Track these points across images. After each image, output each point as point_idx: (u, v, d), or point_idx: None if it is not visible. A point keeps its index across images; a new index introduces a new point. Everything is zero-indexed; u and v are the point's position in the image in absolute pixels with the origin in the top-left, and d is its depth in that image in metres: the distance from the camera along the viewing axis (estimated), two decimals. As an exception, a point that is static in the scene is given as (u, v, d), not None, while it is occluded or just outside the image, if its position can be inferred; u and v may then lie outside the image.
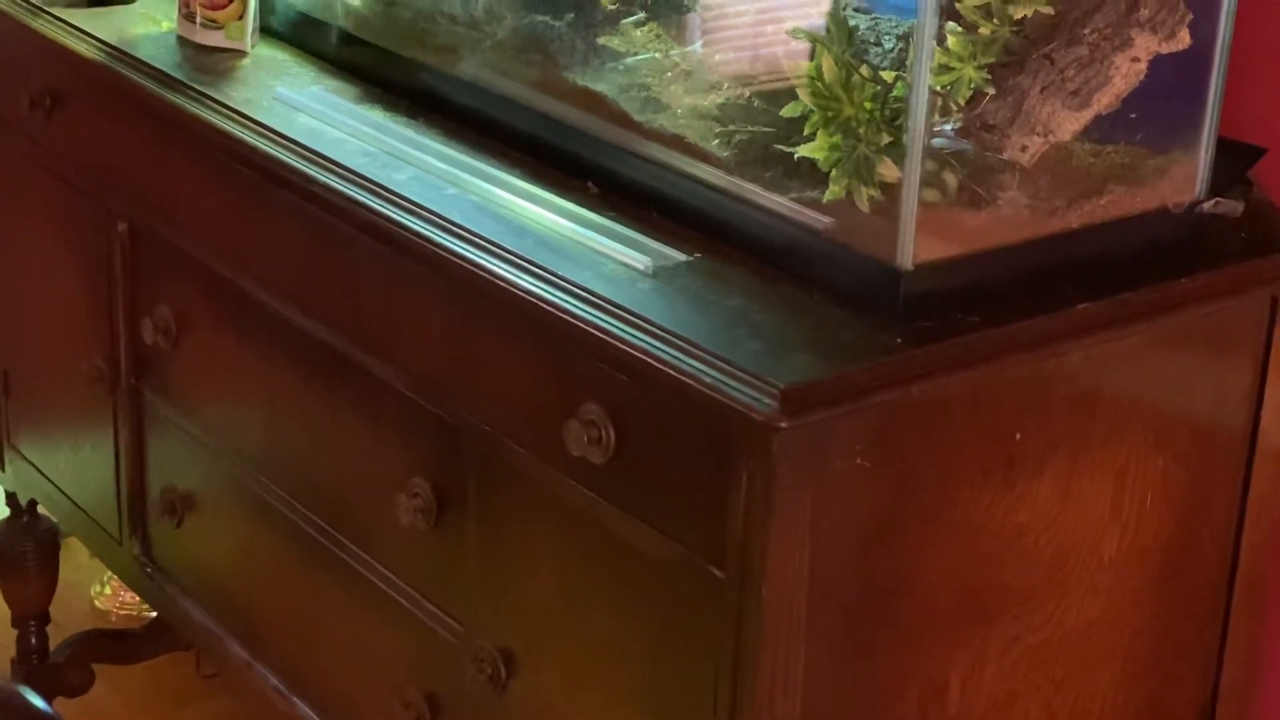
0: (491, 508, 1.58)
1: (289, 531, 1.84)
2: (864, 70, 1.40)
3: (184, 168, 1.88)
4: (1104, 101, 1.48)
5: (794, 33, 1.48)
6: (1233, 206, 1.52)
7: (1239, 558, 1.61)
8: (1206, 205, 1.51)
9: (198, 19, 1.95)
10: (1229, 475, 1.58)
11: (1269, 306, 1.52)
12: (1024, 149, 1.47)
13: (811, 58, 1.45)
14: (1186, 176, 1.51)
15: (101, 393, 2.08)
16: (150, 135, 1.91)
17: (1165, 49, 1.48)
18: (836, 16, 1.41)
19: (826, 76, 1.41)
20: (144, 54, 1.92)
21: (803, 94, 1.43)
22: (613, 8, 1.79)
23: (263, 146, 1.72)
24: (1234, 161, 1.56)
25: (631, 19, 1.81)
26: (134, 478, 2.08)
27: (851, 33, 1.41)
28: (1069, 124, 1.48)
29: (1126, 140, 1.52)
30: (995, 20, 1.47)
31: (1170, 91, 1.51)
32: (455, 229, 1.54)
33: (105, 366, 2.07)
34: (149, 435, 2.04)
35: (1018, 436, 1.42)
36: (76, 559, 2.68)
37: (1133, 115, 1.49)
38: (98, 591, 2.79)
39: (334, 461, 1.77)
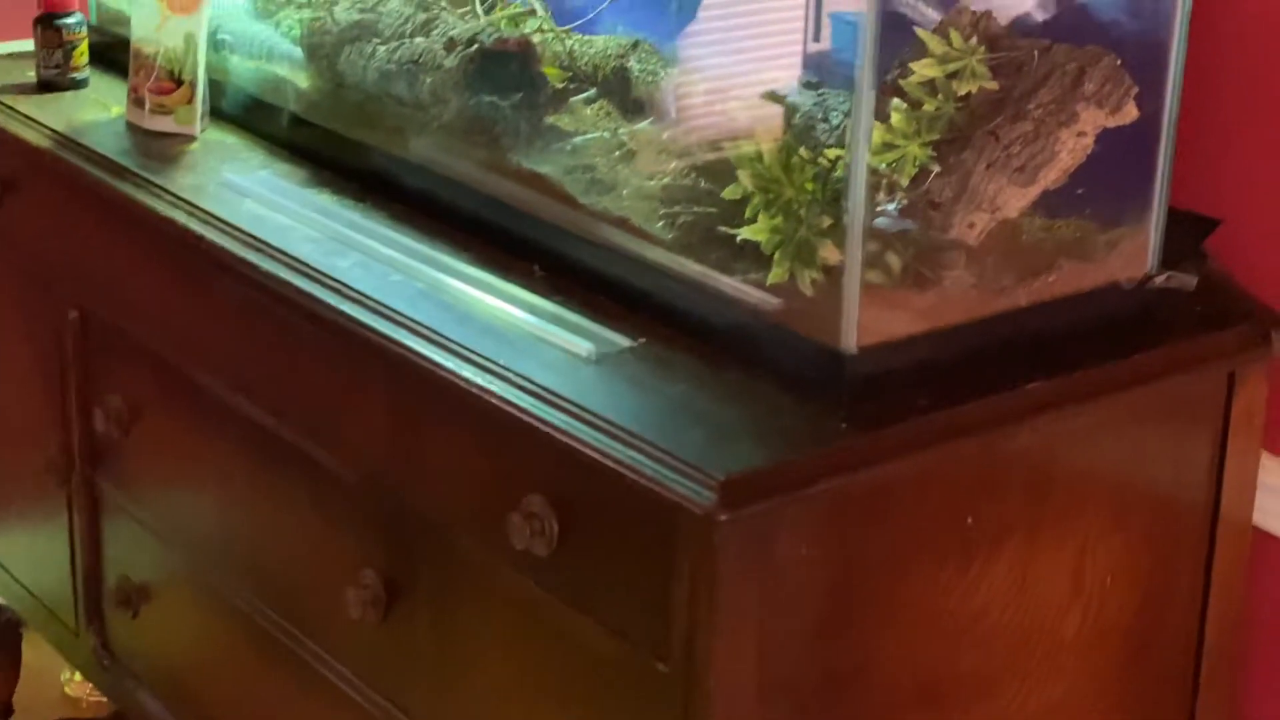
0: (441, 600, 1.55)
1: (243, 623, 1.81)
2: (803, 151, 1.38)
3: (134, 255, 1.86)
4: (1050, 177, 1.46)
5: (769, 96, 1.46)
6: (1186, 280, 1.50)
7: (1205, 633, 1.58)
8: (1159, 279, 1.49)
9: (146, 104, 1.94)
10: (1192, 550, 1.55)
11: (1226, 381, 1.49)
12: (970, 226, 1.45)
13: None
14: (1137, 250, 1.49)
15: (56, 482, 2.05)
16: (100, 223, 1.89)
17: (1112, 123, 1.46)
18: (775, 97, 1.39)
19: (766, 158, 1.39)
20: (93, 141, 1.91)
21: (743, 176, 1.41)
22: (560, 86, 1.78)
23: (207, 235, 1.70)
24: (1188, 233, 1.54)
25: (582, 96, 1.79)
26: (89, 568, 2.05)
27: (790, 117, 1.39)
28: (1015, 200, 1.45)
29: (1075, 214, 1.50)
30: (940, 96, 1.45)
31: (1119, 165, 1.48)
32: (397, 318, 1.52)
33: (59, 455, 2.04)
34: (104, 525, 2.02)
35: (970, 520, 1.39)
36: (46, 645, 2.64)
37: (1081, 189, 1.47)
38: (67, 678, 2.75)
39: (285, 552, 1.74)
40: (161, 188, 1.79)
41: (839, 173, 1.39)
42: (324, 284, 1.59)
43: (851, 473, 1.31)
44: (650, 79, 1.73)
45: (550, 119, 1.71)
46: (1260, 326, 1.49)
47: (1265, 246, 1.55)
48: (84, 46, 2.08)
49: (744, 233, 1.41)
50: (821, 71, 1.88)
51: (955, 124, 1.45)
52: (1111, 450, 1.47)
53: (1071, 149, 1.45)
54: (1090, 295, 1.46)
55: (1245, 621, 1.62)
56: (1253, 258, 1.56)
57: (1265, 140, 1.55)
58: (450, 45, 1.71)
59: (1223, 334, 1.49)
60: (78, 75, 2.08)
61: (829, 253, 1.36)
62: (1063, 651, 1.49)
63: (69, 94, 2.06)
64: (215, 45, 1.98)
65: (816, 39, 2.02)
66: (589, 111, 1.78)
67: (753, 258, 1.43)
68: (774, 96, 1.38)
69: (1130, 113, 1.45)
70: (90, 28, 2.14)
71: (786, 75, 1.90)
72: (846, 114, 1.55)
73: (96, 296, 1.94)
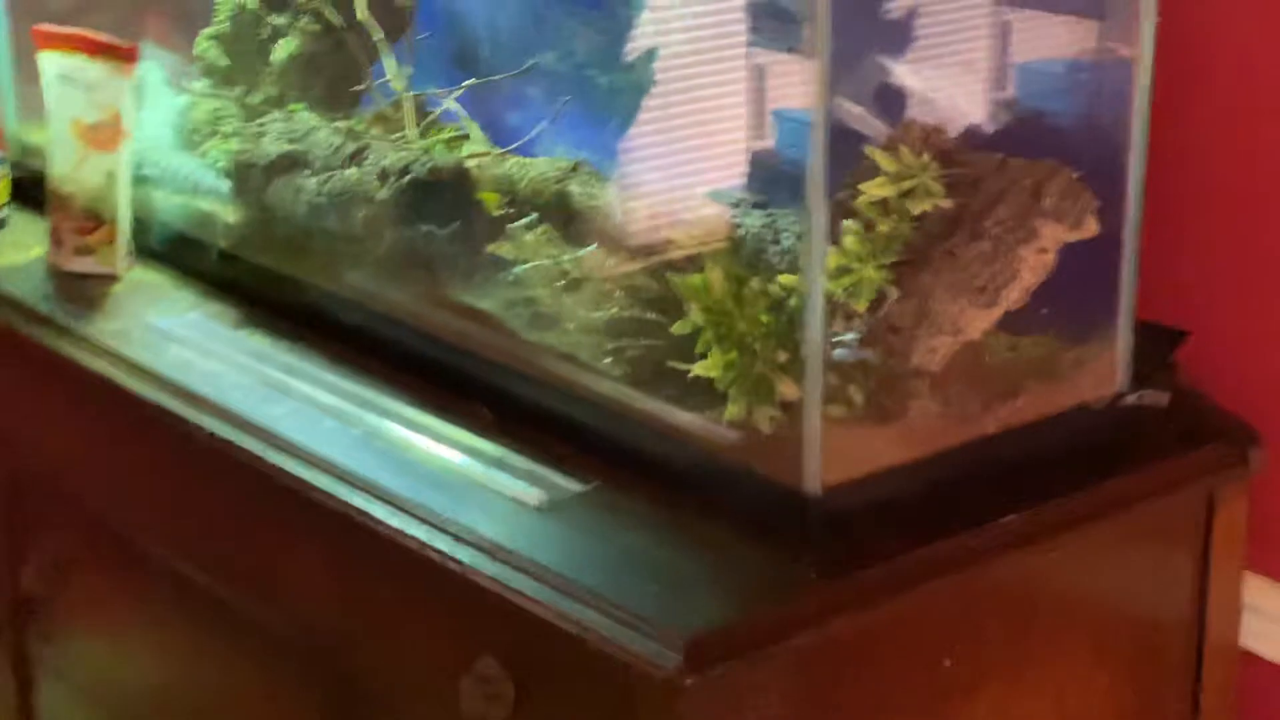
0: (392, 766, 1.46)
1: (184, 790, 1.71)
2: (755, 282, 1.32)
3: (59, 407, 1.77)
4: (1013, 296, 1.40)
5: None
6: (1158, 397, 1.44)
7: (1197, 764, 1.51)
8: (1130, 398, 1.43)
9: (67, 245, 1.86)
10: (1178, 679, 1.48)
11: (1205, 501, 1.43)
12: (932, 351, 1.39)
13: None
14: (1106, 368, 1.43)
15: (-16, 643, 1.96)
16: (22, 374, 1.81)
17: (1073, 238, 1.40)
18: (722, 223, 1.33)
19: (716, 291, 1.32)
20: (10, 286, 1.82)
21: (693, 309, 1.34)
22: (499, 213, 1.72)
23: (132, 385, 1.62)
24: (1156, 347, 1.48)
25: (522, 222, 1.73)
26: (23, 733, 1.95)
27: (741, 244, 1.33)
28: (978, 322, 1.39)
29: (1039, 332, 1.44)
30: (894, 216, 1.39)
31: (1081, 279, 1.42)
32: (334, 469, 1.44)
33: (-13, 615, 1.95)
34: (37, 689, 1.92)
35: (947, 663, 1.32)
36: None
37: (1044, 307, 1.41)
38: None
39: (226, 717, 1.64)
40: (84, 335, 1.71)
41: (794, 302, 1.32)
42: (256, 435, 1.51)
43: (823, 624, 1.23)
44: (591, 202, 1.67)
45: (490, 248, 1.65)
46: (1237, 444, 1.43)
47: (1233, 358, 1.50)
48: (3, 185, 2.00)
49: (696, 369, 1.34)
50: (767, 175, 1.84)
51: (911, 244, 1.39)
52: (1091, 580, 1.40)
53: (1033, 266, 1.39)
54: (1060, 418, 1.40)
55: (1236, 746, 1.55)
56: (1221, 369, 1.50)
57: (1230, 248, 1.50)
58: (383, 176, 1.64)
59: (1199, 453, 1.42)
60: (-4, 216, 2.00)
61: (787, 388, 1.29)
62: (1049, 793, 1.42)
63: (-12, 235, 1.98)
64: (138, 179, 1.91)
65: (759, 137, 1.97)
66: (529, 238, 1.71)
67: (707, 393, 1.36)
68: (722, 222, 1.32)
69: (1091, 227, 1.40)
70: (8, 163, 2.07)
71: (731, 184, 1.86)
72: (799, 236, 1.50)
73: (22, 452, 1.85)
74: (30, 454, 1.84)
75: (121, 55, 1.82)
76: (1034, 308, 1.40)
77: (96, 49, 1.83)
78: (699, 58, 1.93)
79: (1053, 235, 1.39)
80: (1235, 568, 1.47)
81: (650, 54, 2.03)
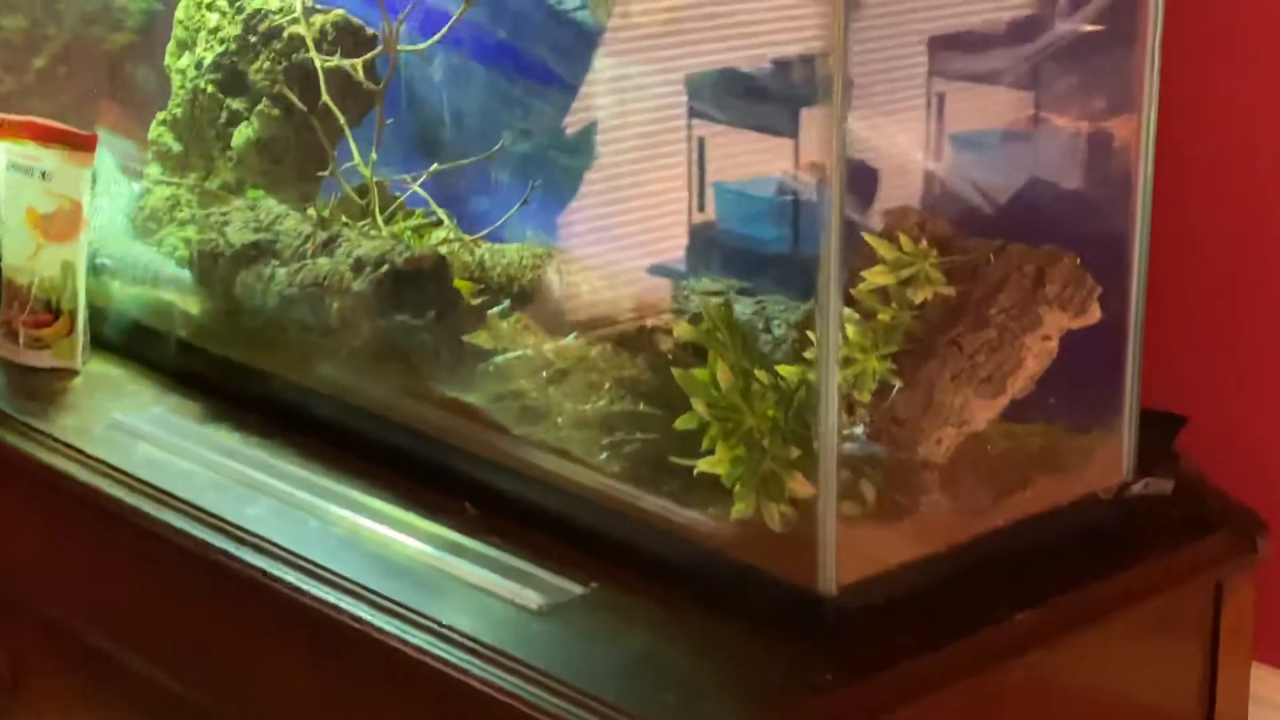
0: None
1: None
2: (763, 376, 1.28)
3: (16, 508, 1.70)
4: (1018, 385, 1.37)
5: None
6: (1162, 486, 1.41)
7: None
8: (1136, 487, 1.41)
9: (21, 338, 1.79)
10: (1188, 772, 1.45)
11: (1213, 591, 1.40)
12: (939, 442, 1.36)
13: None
14: (1112, 456, 1.41)
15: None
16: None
17: (1076, 325, 1.38)
18: (728, 319, 1.29)
19: (723, 385, 1.29)
20: (-37, 382, 1.76)
21: (697, 404, 1.30)
22: (476, 302, 1.67)
23: (100, 485, 1.56)
24: (1157, 433, 1.46)
25: (496, 309, 1.69)
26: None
27: (747, 337, 1.30)
28: (984, 412, 1.36)
29: (1045, 420, 1.42)
30: (894, 305, 1.36)
31: (1086, 366, 1.40)
32: (318, 571, 1.38)
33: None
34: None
35: (964, 764, 1.29)
36: None
37: (1049, 394, 1.39)
38: None
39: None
40: (43, 432, 1.64)
41: (802, 395, 1.29)
42: (233, 536, 1.45)
43: (844, 729, 1.20)
44: (569, 289, 1.63)
45: (468, 338, 1.60)
46: (1245, 532, 1.41)
47: (1235, 443, 1.48)
48: (-49, 277, 1.94)
49: (701, 465, 1.30)
50: (749, 259, 1.81)
51: (914, 333, 1.36)
52: (1101, 672, 1.37)
53: (1037, 354, 1.37)
54: (1069, 509, 1.37)
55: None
56: (1221, 455, 1.48)
57: (1226, 332, 1.49)
58: (358, 266, 1.59)
59: (1207, 542, 1.40)
60: (-56, 309, 1.93)
61: (799, 485, 1.25)
62: None
63: (-66, 328, 1.91)
64: (94, 269, 1.85)
65: (701, 209, 1.95)
66: (505, 326, 1.67)
67: (712, 489, 1.32)
68: (728, 321, 1.28)
69: (1094, 314, 1.38)
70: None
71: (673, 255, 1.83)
72: (791, 324, 1.47)
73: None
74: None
75: (79, 143, 1.76)
76: (1038, 396, 1.38)
77: (51, 137, 1.77)
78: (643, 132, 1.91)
79: (1056, 322, 1.37)
80: (1244, 658, 1.44)
81: (591, 127, 2.01)
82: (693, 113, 1.88)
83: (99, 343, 1.83)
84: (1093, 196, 1.44)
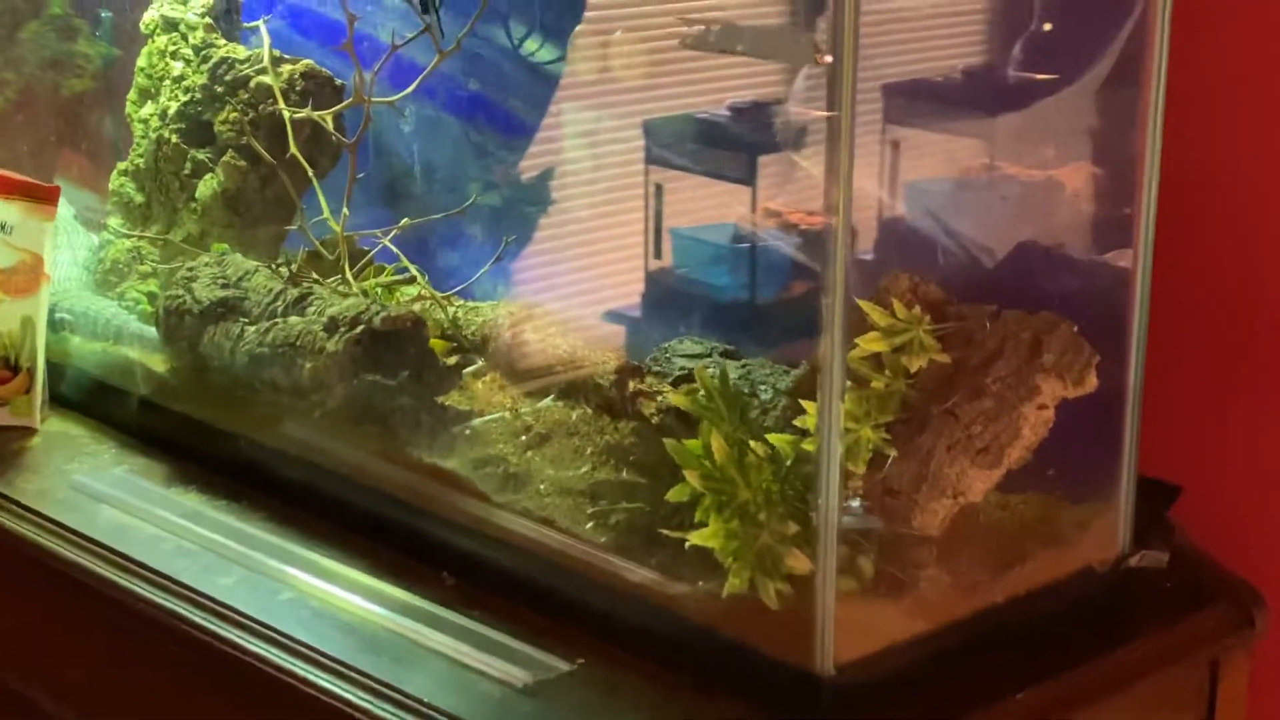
0: None
1: None
2: (759, 448, 1.25)
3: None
4: (1015, 455, 1.34)
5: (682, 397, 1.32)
6: (1158, 558, 1.39)
7: None
8: (1132, 560, 1.38)
9: (-22, 396, 1.74)
10: None
11: (1209, 669, 1.37)
12: (935, 514, 1.32)
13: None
14: (1109, 528, 1.38)
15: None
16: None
17: (1073, 394, 1.35)
18: (724, 389, 1.26)
19: (717, 457, 1.25)
20: (-84, 440, 1.70)
21: (691, 475, 1.26)
22: (451, 361, 1.63)
23: (62, 551, 1.50)
24: (1152, 503, 1.43)
25: (470, 368, 1.65)
26: None
27: (745, 407, 1.26)
28: (981, 483, 1.33)
29: (1041, 489, 1.39)
30: (888, 373, 1.33)
31: (1082, 435, 1.38)
32: (296, 646, 1.34)
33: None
34: None
35: None
36: None
37: (1044, 464, 1.36)
38: None
39: None
40: (3, 495, 1.59)
41: (800, 468, 1.25)
42: (205, 607, 1.40)
43: (845, 818, 1.16)
44: (544, 348, 1.59)
45: (441, 399, 1.56)
46: (1241, 606, 1.38)
47: (1229, 513, 1.46)
48: (-97, 329, 1.88)
49: (694, 538, 1.26)
50: (730, 317, 1.78)
51: (909, 402, 1.33)
52: (1098, 750, 1.34)
53: (1034, 424, 1.34)
54: (1065, 583, 1.34)
55: None
56: (1217, 526, 1.46)
57: (1223, 399, 1.47)
58: (332, 325, 1.55)
59: (1203, 616, 1.37)
60: (-103, 363, 1.87)
61: (796, 561, 1.22)
62: None
63: (-114, 383, 1.85)
64: (53, 324, 1.80)
65: (658, 256, 1.92)
66: (480, 385, 1.63)
67: (703, 562, 1.29)
68: (725, 392, 1.25)
69: (1091, 383, 1.35)
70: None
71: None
72: (779, 390, 1.43)
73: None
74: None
75: (41, 195, 1.71)
76: (1034, 465, 1.35)
77: (13, 188, 1.72)
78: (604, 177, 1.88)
79: (1053, 391, 1.34)
80: (1239, 732, 1.42)
81: (548, 173, 1.98)
82: (651, 158, 1.86)
83: (57, 400, 1.78)
84: (1090, 258, 1.41)
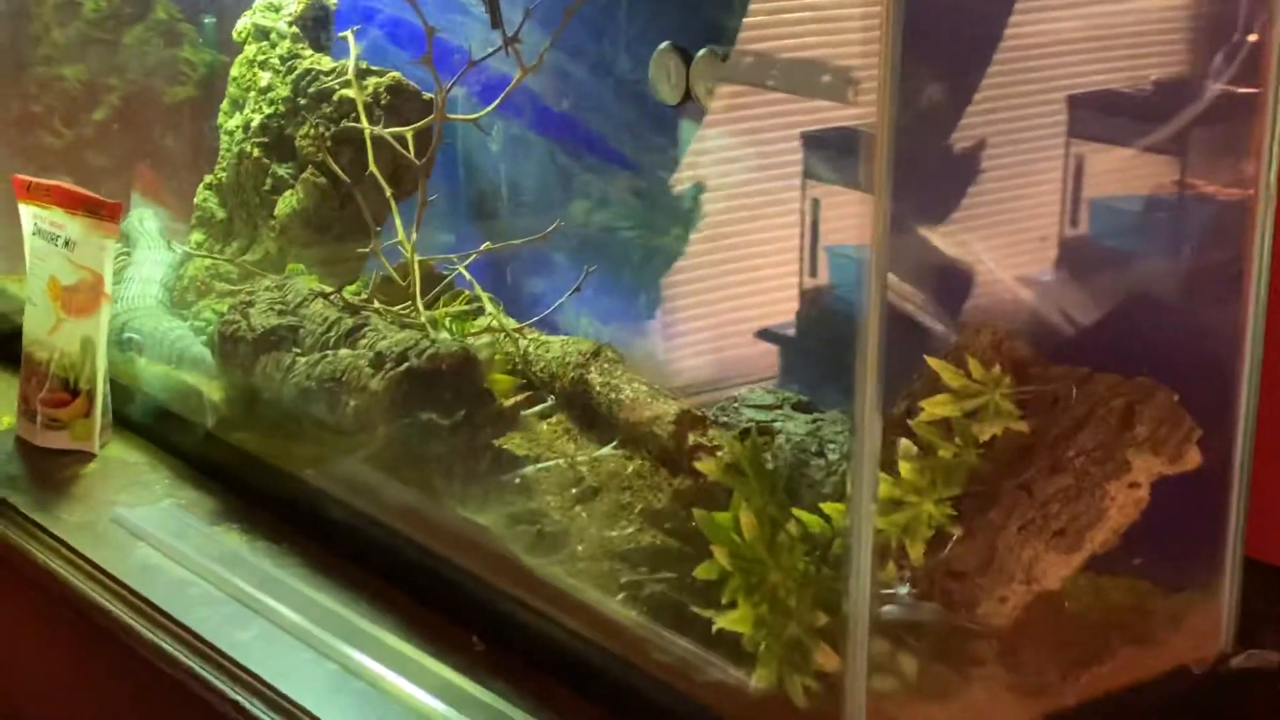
0: None
1: None
2: (792, 526, 1.11)
3: (7, 602, 1.58)
4: (1099, 539, 1.19)
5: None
6: (1267, 658, 1.22)
7: None
8: (1237, 659, 1.21)
9: (39, 418, 1.67)
10: None
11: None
12: (1002, 601, 1.18)
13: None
14: (1209, 623, 1.22)
15: None
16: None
17: (1171, 470, 1.19)
18: (755, 459, 1.13)
19: (746, 533, 1.12)
20: (-28, 463, 1.65)
21: (718, 551, 1.13)
22: (512, 401, 1.52)
23: (86, 590, 1.43)
24: (1261, 592, 1.26)
25: (537, 409, 1.53)
26: None
27: (775, 479, 1.13)
28: (1057, 569, 1.18)
29: (1129, 574, 1.23)
30: (957, 440, 1.19)
31: (1180, 517, 1.22)
32: (300, 714, 1.24)
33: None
34: None
35: None
36: None
37: (1134, 549, 1.20)
38: None
39: None
40: (42, 528, 1.52)
41: (838, 548, 1.12)
42: (218, 664, 1.31)
43: None
44: (611, 395, 1.47)
45: (498, 441, 1.45)
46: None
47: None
48: (-23, 344, 1.83)
49: (721, 621, 1.14)
50: (807, 363, 1.64)
51: (978, 475, 1.19)
52: None
53: (1122, 505, 1.18)
54: (1154, 685, 1.18)
55: None
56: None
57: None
58: (378, 361, 1.45)
59: (1320, 729, 1.21)
60: (-31, 377, 1.83)
61: (825, 657, 1.08)
62: None
63: (-45, 401, 1.81)
64: (121, 344, 1.73)
65: (814, 274, 1.78)
66: (544, 428, 1.52)
67: (736, 646, 1.16)
68: (755, 462, 1.12)
69: (1192, 459, 1.19)
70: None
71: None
72: (846, 452, 1.30)
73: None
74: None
75: (103, 212, 1.64)
76: (1122, 549, 1.20)
77: (76, 203, 1.65)
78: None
79: (1146, 468, 1.18)
80: None
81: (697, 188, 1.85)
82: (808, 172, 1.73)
83: (123, 423, 1.71)
84: (1195, 320, 1.25)
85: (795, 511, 1.14)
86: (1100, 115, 1.45)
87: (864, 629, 1.05)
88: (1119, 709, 1.17)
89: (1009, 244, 1.43)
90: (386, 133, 1.62)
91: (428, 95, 1.68)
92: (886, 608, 1.13)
